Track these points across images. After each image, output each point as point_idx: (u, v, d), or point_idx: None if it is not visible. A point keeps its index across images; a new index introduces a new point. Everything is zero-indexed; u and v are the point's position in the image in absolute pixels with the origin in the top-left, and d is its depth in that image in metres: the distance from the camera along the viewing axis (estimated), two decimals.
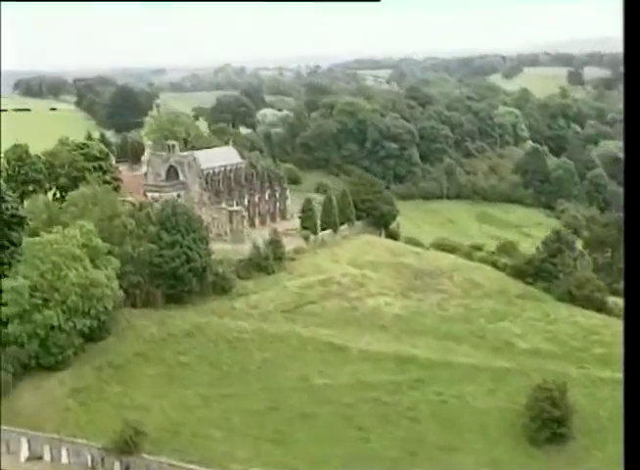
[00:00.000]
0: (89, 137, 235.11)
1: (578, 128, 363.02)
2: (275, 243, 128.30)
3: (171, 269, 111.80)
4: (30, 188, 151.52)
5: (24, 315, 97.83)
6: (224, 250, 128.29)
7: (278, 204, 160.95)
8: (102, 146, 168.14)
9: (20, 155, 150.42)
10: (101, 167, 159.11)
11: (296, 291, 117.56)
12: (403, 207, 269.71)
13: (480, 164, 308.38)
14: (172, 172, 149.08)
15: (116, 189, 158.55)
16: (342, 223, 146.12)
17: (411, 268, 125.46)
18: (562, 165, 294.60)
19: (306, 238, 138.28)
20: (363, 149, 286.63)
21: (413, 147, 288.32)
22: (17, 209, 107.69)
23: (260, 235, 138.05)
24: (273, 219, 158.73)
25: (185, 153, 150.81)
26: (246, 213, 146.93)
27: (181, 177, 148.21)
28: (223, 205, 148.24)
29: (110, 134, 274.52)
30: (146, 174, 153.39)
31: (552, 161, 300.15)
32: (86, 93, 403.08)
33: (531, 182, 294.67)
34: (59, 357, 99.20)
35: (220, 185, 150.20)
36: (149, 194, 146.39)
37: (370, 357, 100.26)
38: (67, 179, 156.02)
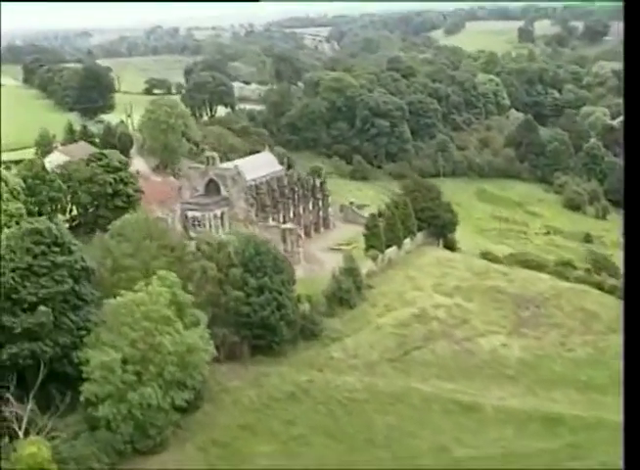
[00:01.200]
0: (70, 129, 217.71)
1: (557, 94, 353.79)
2: (352, 271, 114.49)
3: (261, 319, 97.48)
4: (49, 208, 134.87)
5: (117, 394, 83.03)
6: None
7: (321, 212, 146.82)
8: (120, 155, 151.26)
9: (37, 172, 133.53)
10: (122, 180, 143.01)
11: (392, 331, 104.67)
12: (398, 186, 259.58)
13: (469, 137, 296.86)
14: (212, 187, 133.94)
15: (138, 202, 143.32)
16: (404, 237, 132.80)
17: (508, 295, 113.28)
18: (557, 137, 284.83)
19: (374, 258, 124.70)
20: (353, 127, 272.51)
21: (404, 123, 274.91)
22: (85, 260, 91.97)
23: (309, 251, 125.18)
24: (317, 230, 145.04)
25: (227, 164, 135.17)
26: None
27: (223, 192, 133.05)
28: (271, 221, 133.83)
29: (75, 118, 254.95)
30: (180, 189, 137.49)
31: (545, 132, 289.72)
32: (36, 69, 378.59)
33: (526, 156, 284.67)
34: (157, 439, 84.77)
35: (266, 199, 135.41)
36: (189, 213, 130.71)
37: (510, 418, 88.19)
38: (87, 195, 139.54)
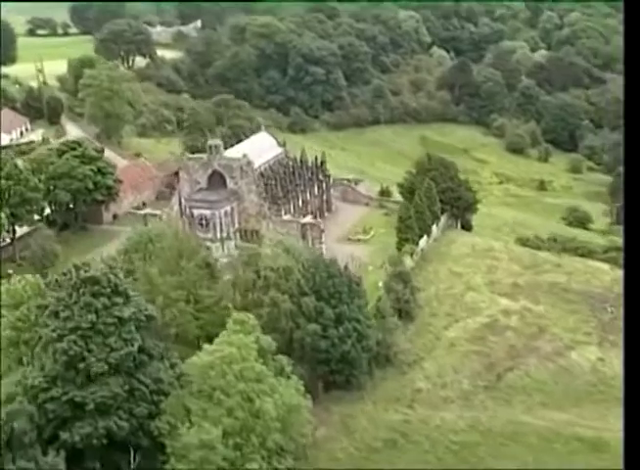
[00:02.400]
0: None
1: (473, 27, 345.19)
2: (403, 276, 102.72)
3: (341, 353, 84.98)
4: (25, 210, 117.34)
5: None
6: None
7: (325, 196, 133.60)
8: (95, 142, 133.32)
9: (9, 172, 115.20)
10: (100, 170, 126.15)
11: (470, 349, 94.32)
12: (340, 139, 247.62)
13: (400, 80, 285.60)
14: (216, 179, 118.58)
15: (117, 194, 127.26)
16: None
17: (575, 293, 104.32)
18: (490, 77, 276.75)
19: (411, 254, 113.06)
20: (285, 76, 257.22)
21: (338, 69, 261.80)
22: (147, 308, 76.95)
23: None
24: (322, 215, 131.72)
25: (233, 154, 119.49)
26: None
27: (230, 185, 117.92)
28: (285, 214, 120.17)
29: None
30: (178, 183, 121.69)
31: (478, 72, 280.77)
32: None
33: (461, 98, 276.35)
34: None
35: (278, 189, 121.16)
36: (195, 212, 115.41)
37: None
38: (66, 192, 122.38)
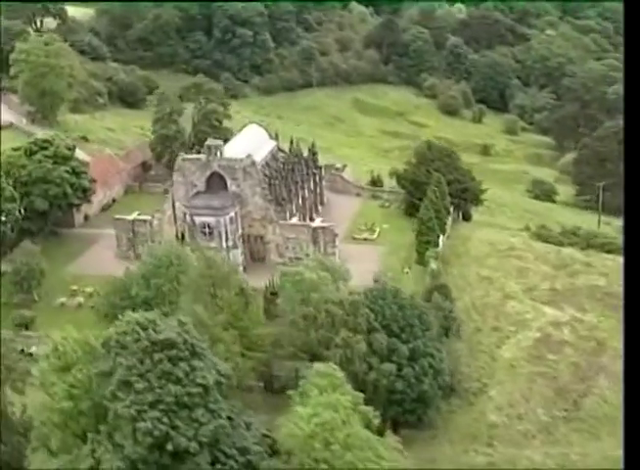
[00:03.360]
0: None
1: None
2: (443, 289, 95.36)
3: (418, 393, 77.29)
4: None
5: None
6: None
7: (318, 189, 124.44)
8: (65, 138, 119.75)
9: None
10: (74, 171, 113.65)
11: (533, 370, 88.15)
12: (273, 105, 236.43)
13: (325, 39, 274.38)
14: (216, 182, 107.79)
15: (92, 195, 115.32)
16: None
17: (616, 296, 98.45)
18: (419, 36, 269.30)
19: (436, 258, 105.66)
20: (211, 39, 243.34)
21: (265, 31, 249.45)
22: (221, 366, 67.17)
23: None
24: (316, 210, 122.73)
25: (234, 153, 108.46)
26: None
27: (232, 187, 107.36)
28: (292, 217, 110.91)
29: None
30: (171, 186, 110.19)
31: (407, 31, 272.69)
32: None
33: (390, 57, 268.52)
34: None
35: (280, 188, 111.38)
36: (198, 219, 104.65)
37: None
38: (43, 200, 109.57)
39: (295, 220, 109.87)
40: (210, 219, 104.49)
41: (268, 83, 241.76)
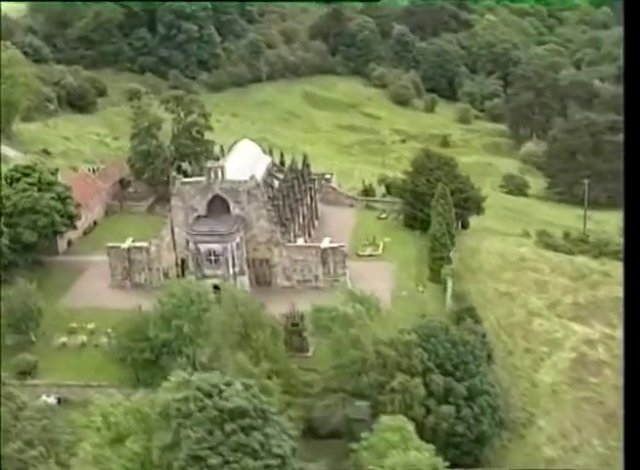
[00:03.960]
0: None
1: None
2: (470, 312, 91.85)
3: (477, 434, 73.70)
4: None
5: None
6: None
7: (313, 203, 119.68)
8: (46, 164, 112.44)
9: None
10: (60, 196, 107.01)
11: (577, 395, 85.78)
12: (225, 101, 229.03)
13: (269, 30, 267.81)
14: (217, 205, 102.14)
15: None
16: None
17: None
18: (365, 25, 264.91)
19: (452, 275, 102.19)
20: (156, 35, 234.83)
21: (210, 24, 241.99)
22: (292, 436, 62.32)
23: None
24: (313, 225, 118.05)
25: (231, 174, 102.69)
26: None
27: (235, 211, 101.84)
28: (298, 239, 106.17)
29: None
30: (169, 211, 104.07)
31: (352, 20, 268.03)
32: None
33: (337, 48, 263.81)
34: None
35: (286, 209, 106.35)
36: (202, 246, 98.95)
37: None
38: (32, 231, 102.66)
39: (301, 242, 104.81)
40: (216, 246, 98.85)
41: (217, 79, 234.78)
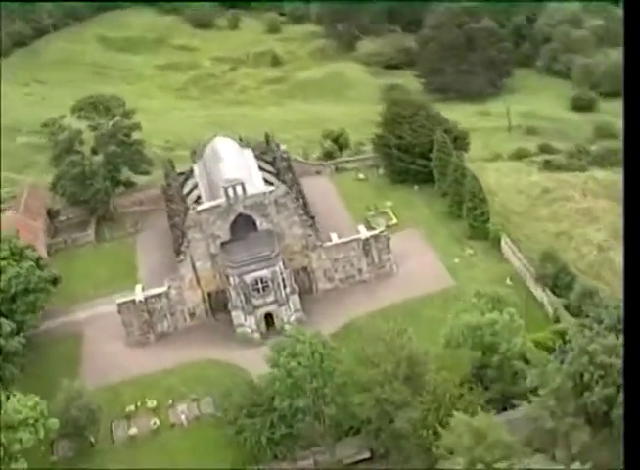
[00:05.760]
0: None
1: None
2: (563, 269, 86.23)
3: None
4: None
5: None
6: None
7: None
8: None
9: None
10: (38, 264, 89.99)
11: None
12: (17, 67, 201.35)
13: None
14: (241, 225, 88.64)
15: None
16: None
17: None
18: None
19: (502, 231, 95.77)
20: None
21: None
22: None
23: None
24: None
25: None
26: None
27: (263, 225, 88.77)
28: (332, 235, 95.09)
29: None
30: (183, 236, 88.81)
31: None
32: None
33: None
34: None
35: (306, 206, 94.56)
36: (248, 277, 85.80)
37: None
38: (32, 315, 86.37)
39: (335, 238, 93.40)
40: (264, 272, 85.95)
41: None
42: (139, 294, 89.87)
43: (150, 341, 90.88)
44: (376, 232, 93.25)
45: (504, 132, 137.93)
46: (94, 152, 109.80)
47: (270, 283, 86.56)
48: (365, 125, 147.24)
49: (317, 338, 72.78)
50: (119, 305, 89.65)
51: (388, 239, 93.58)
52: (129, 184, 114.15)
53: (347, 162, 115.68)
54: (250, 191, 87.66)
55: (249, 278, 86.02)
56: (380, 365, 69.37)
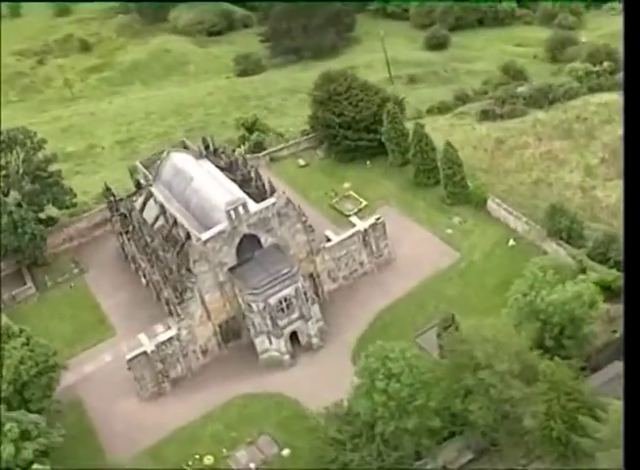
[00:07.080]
0: None
1: None
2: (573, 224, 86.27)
3: None
4: None
5: None
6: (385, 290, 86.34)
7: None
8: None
9: None
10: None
11: None
12: None
13: None
14: (245, 245, 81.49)
15: None
16: None
17: None
18: None
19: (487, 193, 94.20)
20: None
21: None
22: None
23: None
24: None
25: (222, 199, 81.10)
26: None
27: (268, 241, 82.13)
28: (327, 231, 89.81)
29: None
30: (190, 262, 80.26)
31: None
32: None
33: None
34: None
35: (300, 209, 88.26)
36: (272, 299, 79.28)
37: None
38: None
39: (336, 236, 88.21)
40: (288, 291, 79.61)
41: None
42: (148, 344, 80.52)
43: (166, 390, 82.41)
44: (372, 221, 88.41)
45: (388, 84, 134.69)
46: (4, 194, 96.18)
47: (294, 300, 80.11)
48: (241, 102, 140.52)
49: (409, 350, 67.94)
50: (129, 360, 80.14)
51: (384, 225, 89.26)
52: (50, 220, 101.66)
53: (281, 149, 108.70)
54: (251, 209, 79.95)
55: (273, 300, 79.08)
56: (492, 366, 65.63)
